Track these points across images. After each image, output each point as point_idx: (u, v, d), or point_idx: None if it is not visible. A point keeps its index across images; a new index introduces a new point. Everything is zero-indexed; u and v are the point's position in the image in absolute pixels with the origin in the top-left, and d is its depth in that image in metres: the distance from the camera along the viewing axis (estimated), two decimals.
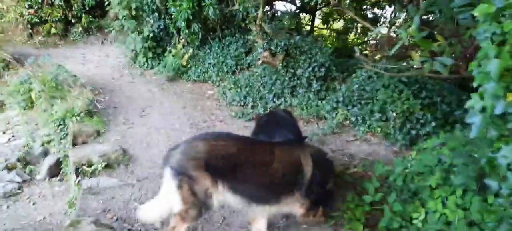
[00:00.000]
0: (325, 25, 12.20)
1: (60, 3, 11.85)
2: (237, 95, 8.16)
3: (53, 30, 12.02)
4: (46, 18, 11.91)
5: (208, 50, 10.00)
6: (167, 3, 9.71)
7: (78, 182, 5.07)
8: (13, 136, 7.13)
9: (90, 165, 5.21)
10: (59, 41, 12.25)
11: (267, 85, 8.01)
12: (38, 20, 11.85)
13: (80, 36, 12.44)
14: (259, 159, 3.53)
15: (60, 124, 6.60)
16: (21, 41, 11.85)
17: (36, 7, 11.70)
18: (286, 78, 7.82)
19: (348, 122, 6.64)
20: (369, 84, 6.65)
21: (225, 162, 3.36)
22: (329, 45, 10.17)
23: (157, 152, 5.89)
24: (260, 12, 7.92)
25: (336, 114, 6.76)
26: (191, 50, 9.99)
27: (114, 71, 10.18)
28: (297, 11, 11.23)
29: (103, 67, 10.51)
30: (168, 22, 10.17)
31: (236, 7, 9.68)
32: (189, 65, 9.82)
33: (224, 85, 8.79)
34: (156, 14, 10.21)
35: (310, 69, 7.65)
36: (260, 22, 7.91)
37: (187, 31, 9.62)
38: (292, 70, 7.81)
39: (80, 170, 5.12)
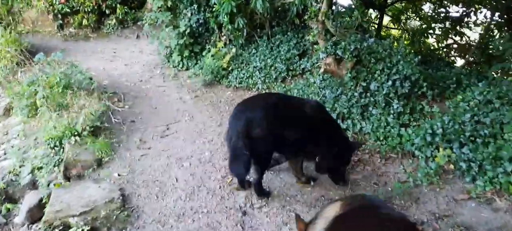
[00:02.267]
0: (397, 25, 9.76)
1: None
2: None
3: (84, 22, 10.42)
4: (78, 8, 10.32)
5: (254, 51, 7.95)
6: None
7: None
8: (5, 154, 5.43)
9: (67, 227, 3.31)
10: (91, 33, 10.66)
11: (328, 101, 5.83)
12: (69, 10, 10.28)
13: (114, 29, 10.77)
14: None
15: (55, 146, 4.80)
16: (50, 33, 10.34)
17: None
18: (355, 94, 5.61)
19: (452, 167, 4.34)
20: (488, 112, 4.32)
21: None
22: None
23: (171, 203, 3.92)
24: (324, 5, 5.74)
25: (432, 153, 4.48)
26: (233, 50, 7.99)
27: (144, 71, 8.38)
28: (362, 6, 8.88)
29: (133, 65, 8.75)
30: (209, 15, 8.22)
31: None
32: (230, 68, 7.82)
33: None
34: (195, 6, 8.29)
35: (389, 83, 5.39)
36: (323, 18, 5.73)
37: (230, 27, 7.63)
38: (364, 84, 5.59)
39: None
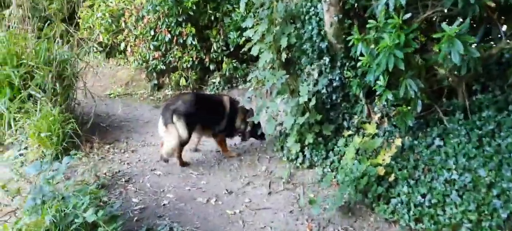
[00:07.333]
0: None
1: (194, 43, 7.24)
2: None
3: (182, 81, 7.49)
4: (175, 64, 7.47)
5: (439, 142, 3.74)
6: (348, 37, 3.95)
7: None
8: None
9: None
10: None
11: None
12: (164, 67, 7.50)
13: (219, 89, 7.61)
14: None
15: None
16: (142, 96, 7.68)
17: (163, 49, 7.36)
18: None
19: None
20: None
21: None
22: None
23: None
24: None
25: None
26: (398, 140, 3.89)
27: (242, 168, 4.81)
28: None
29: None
30: (349, 74, 4.36)
31: None
32: (392, 177, 3.71)
33: None
34: (327, 59, 4.49)
35: None
36: None
37: (390, 96, 3.66)
38: None
39: None
